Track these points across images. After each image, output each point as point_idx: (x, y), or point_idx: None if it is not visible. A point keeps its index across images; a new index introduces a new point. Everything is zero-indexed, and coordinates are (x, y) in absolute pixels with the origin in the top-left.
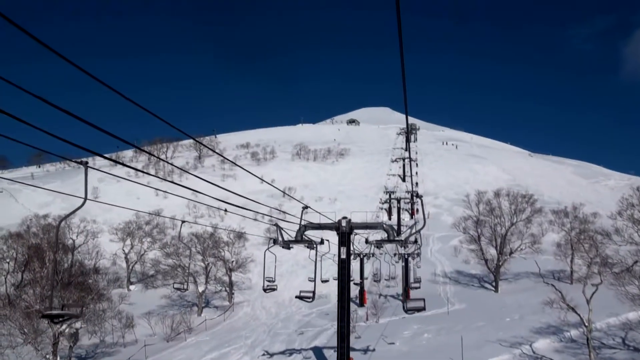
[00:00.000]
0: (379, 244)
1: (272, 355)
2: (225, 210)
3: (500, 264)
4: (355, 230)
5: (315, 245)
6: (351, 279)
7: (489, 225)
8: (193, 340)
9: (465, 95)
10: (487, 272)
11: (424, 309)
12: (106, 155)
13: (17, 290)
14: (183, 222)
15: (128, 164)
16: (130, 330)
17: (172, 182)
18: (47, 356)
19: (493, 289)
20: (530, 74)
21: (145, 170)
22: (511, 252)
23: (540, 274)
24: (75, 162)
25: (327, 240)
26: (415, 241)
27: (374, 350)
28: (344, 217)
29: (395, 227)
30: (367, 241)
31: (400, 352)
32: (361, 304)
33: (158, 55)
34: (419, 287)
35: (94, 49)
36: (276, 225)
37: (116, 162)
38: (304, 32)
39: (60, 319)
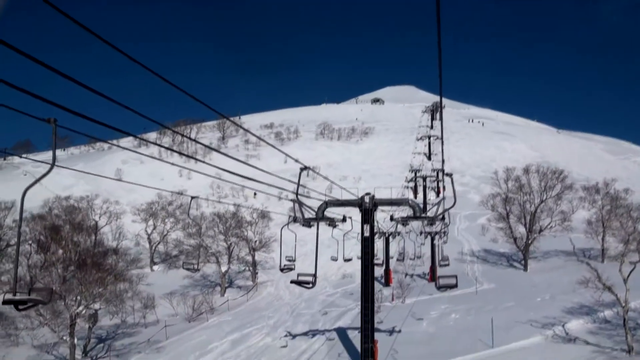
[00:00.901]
0: (404, 221)
1: (294, 336)
2: (255, 194)
3: (529, 242)
4: (380, 207)
5: (315, 223)
6: (376, 258)
7: (517, 203)
8: (215, 320)
9: (491, 73)
10: (516, 251)
11: (456, 285)
12: (132, 135)
13: (31, 271)
14: (192, 197)
15: (153, 143)
16: (152, 311)
17: (195, 159)
18: (64, 337)
19: (522, 267)
20: (557, 49)
21: (170, 148)
22: (541, 230)
23: (574, 252)
24: (42, 120)
25: (350, 218)
26: (443, 218)
27: (399, 331)
28: (367, 193)
29: (421, 205)
30: (392, 218)
31: (426, 334)
32: (387, 283)
33: (178, 42)
34: (448, 265)
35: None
36: (296, 201)
37: (142, 139)
38: (326, 12)
39: (25, 306)
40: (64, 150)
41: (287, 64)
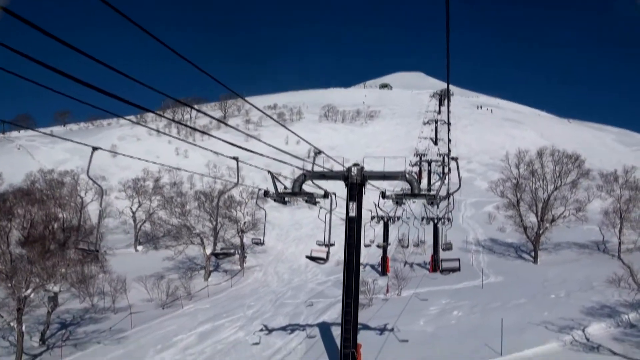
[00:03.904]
0: (400, 198)
1: (270, 331)
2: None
3: (540, 232)
4: (370, 182)
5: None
6: (370, 242)
7: (529, 189)
8: (191, 307)
9: (502, 63)
10: (525, 241)
11: (458, 269)
12: (130, 115)
13: None
14: (95, 149)
15: (150, 126)
16: (123, 295)
17: (196, 129)
18: (11, 324)
19: (532, 259)
20: (566, 41)
21: (171, 119)
22: (553, 219)
23: (603, 243)
24: None
25: (334, 194)
26: (448, 196)
27: (392, 330)
28: (355, 164)
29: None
30: (384, 195)
31: (424, 334)
32: (383, 272)
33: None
34: (451, 249)
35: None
36: (270, 173)
37: (142, 108)
38: None
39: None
40: (64, 125)
41: (295, 49)
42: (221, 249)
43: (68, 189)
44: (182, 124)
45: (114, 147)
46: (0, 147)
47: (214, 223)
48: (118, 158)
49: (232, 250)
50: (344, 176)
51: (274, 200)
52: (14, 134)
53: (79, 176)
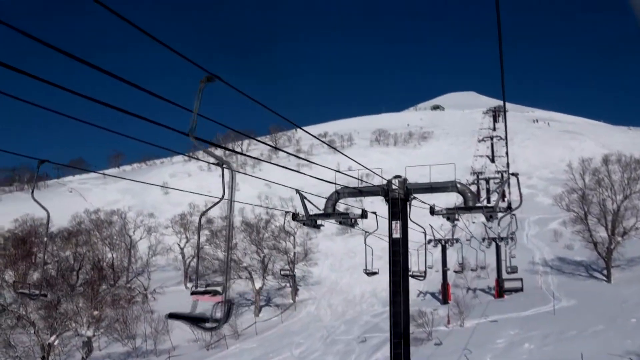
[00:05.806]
0: (450, 213)
1: None
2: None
3: (612, 247)
4: (415, 195)
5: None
6: (429, 268)
7: (596, 201)
8: (237, 348)
9: (555, 77)
10: (596, 258)
11: (521, 289)
12: (182, 152)
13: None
14: (42, 161)
15: (203, 159)
16: (166, 337)
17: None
18: None
19: (605, 278)
20: (618, 47)
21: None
22: (625, 232)
23: None
24: None
25: (375, 214)
26: (508, 211)
27: None
28: (397, 176)
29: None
30: (432, 211)
31: None
32: (445, 300)
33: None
34: (516, 272)
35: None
36: (298, 192)
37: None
38: (385, 20)
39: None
40: (118, 167)
41: (345, 73)
42: (206, 285)
43: (117, 229)
44: (238, 153)
45: (166, 184)
46: (53, 191)
47: (262, 255)
48: (170, 195)
49: (218, 288)
50: (384, 190)
51: (304, 224)
52: (68, 178)
53: (126, 214)
